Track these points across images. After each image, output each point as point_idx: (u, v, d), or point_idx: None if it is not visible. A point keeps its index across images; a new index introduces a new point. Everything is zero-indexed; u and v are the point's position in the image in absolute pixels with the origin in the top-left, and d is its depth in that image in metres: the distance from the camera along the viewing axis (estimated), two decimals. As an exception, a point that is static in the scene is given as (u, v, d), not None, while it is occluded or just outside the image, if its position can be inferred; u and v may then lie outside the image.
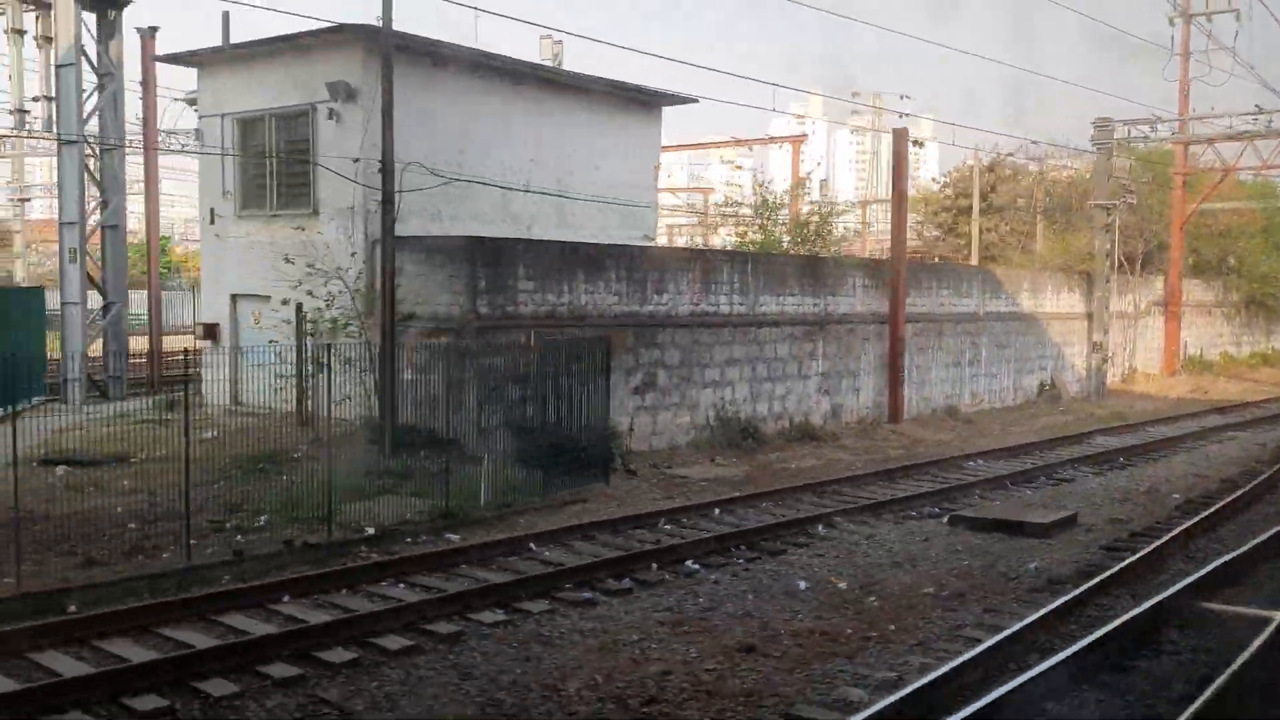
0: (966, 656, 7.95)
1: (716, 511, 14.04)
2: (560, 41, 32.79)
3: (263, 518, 12.23)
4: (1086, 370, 31.94)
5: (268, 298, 17.88)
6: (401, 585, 10.43)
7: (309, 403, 16.75)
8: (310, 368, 16.28)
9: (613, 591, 10.43)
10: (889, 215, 27.47)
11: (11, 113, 21.17)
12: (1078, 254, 34.60)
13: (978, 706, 6.84)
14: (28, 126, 21.56)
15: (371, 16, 15.28)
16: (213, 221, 18.85)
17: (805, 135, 44.73)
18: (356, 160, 16.47)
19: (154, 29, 22.86)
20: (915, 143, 26.50)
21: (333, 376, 14.58)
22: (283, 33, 17.43)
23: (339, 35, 16.57)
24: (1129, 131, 31.73)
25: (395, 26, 14.94)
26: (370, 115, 15.93)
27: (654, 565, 11.28)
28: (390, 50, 14.67)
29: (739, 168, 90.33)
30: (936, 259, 39.34)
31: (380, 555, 11.52)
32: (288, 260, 15.79)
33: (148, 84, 23.10)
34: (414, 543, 12.15)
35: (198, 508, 11.99)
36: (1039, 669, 7.60)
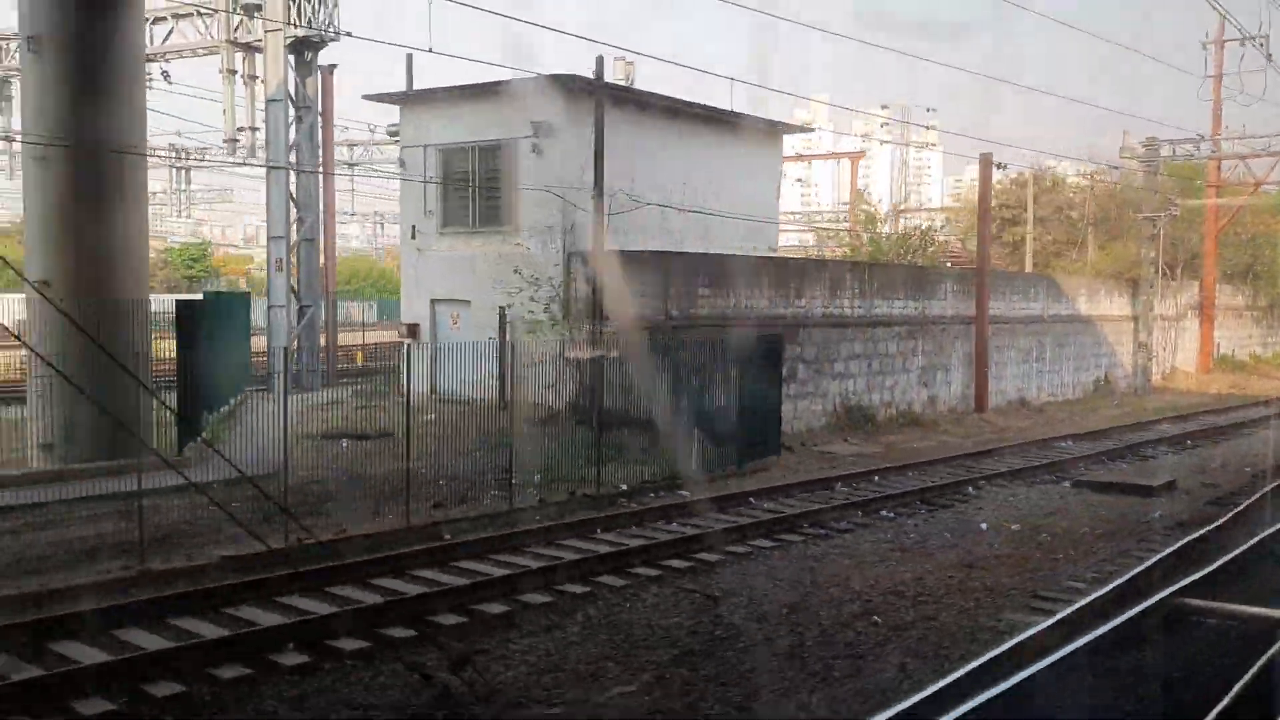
0: (1149, 562, 10.83)
1: (876, 478, 16.92)
2: (632, 63, 35.84)
3: (536, 476, 15.15)
4: (1133, 367, 34.76)
5: (467, 302, 20.81)
6: (674, 524, 13.32)
7: (510, 391, 19.66)
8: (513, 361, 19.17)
9: (839, 530, 13.31)
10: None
11: (225, 142, 24.13)
12: (1125, 262, 37.42)
13: (1175, 588, 9.70)
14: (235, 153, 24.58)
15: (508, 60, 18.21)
16: (414, 237, 21.78)
17: (864, 151, 47.68)
18: (546, 188, 19.39)
19: (333, 67, 25.84)
20: (999, 165, 29.32)
21: (539, 368, 17.49)
22: (477, 80, 20.36)
23: (541, 83, 19.50)
24: (1174, 150, 34.58)
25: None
26: (568, 149, 18.86)
27: (859, 514, 14.18)
28: (603, 103, 17.65)
29: (798, 179, 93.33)
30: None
31: (637, 505, 14.41)
32: (516, 272, 18.74)
33: (327, 116, 26.06)
34: (656, 497, 15.04)
35: (478, 471, 14.93)
36: (1204, 570, 10.46)
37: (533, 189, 19.61)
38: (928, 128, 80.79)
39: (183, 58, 24.43)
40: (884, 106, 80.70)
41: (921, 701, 6.79)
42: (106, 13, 14.19)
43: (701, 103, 22.22)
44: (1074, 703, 7.20)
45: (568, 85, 19.24)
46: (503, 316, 19.83)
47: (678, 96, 21.71)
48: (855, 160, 43.88)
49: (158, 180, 57.86)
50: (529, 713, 7.51)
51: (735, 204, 23.36)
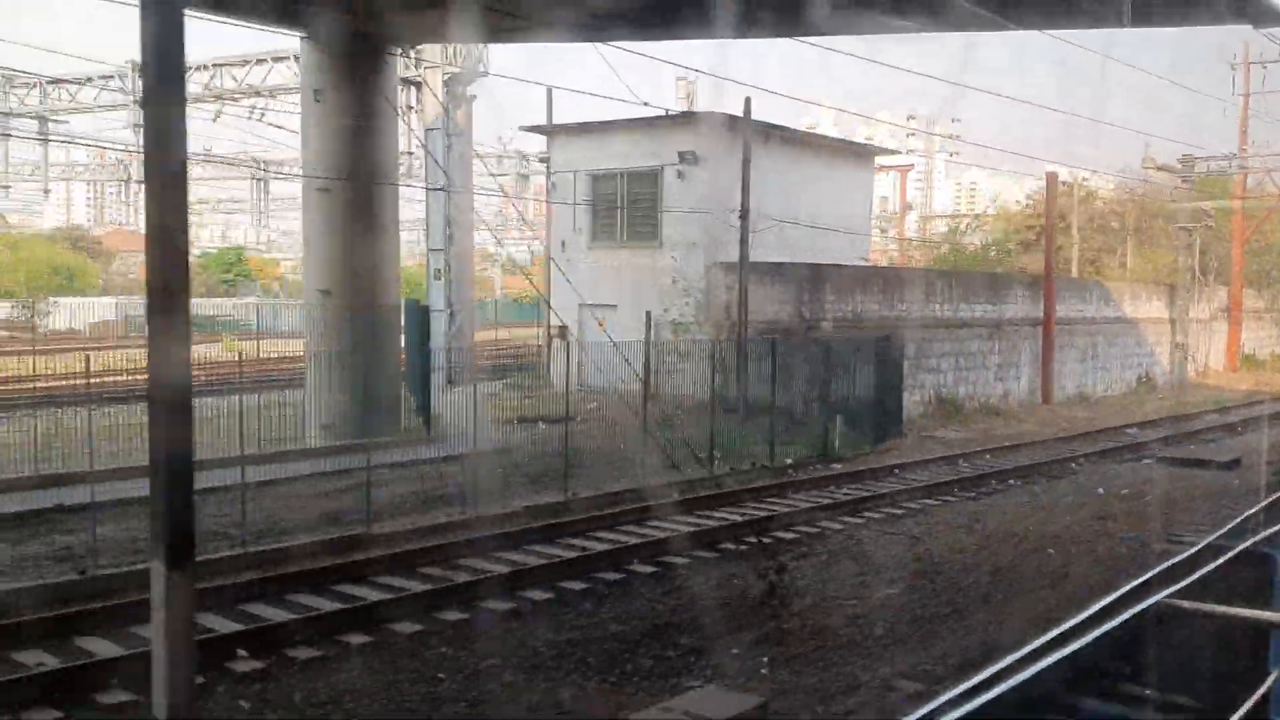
0: (1247, 513, 13.67)
1: (988, 456, 19.75)
2: (693, 82, 38.60)
3: (717, 452, 18.00)
4: (1170, 366, 37.56)
5: (613, 306, 23.67)
6: (846, 488, 16.16)
7: (654, 384, 22.52)
8: (655, 358, 22.03)
9: (984, 494, 16.16)
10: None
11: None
12: (1162, 268, 40.24)
13: (1274, 530, 12.53)
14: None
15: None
16: (564, 250, 24.67)
17: (912, 165, 50.62)
18: (692, 209, 22.25)
19: (473, 96, 28.76)
20: (1067, 185, 32.11)
21: (686, 364, 20.36)
22: (628, 116, 23.27)
23: (686, 119, 22.39)
24: (1208, 166, 37.42)
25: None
26: (710, 173, 21.73)
27: (993, 482, 17.04)
28: (749, 138, 20.48)
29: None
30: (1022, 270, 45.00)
31: (806, 475, 17.25)
32: (674, 282, 21.61)
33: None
34: (817, 469, 17.89)
35: (667, 448, 17.77)
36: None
37: (677, 211, 22.47)
38: (952, 137, 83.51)
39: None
40: (910, 117, 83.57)
41: (1133, 590, 9.61)
42: (370, 71, 17.08)
43: (809, 131, 25.05)
44: (1239, 591, 10.03)
45: (708, 120, 22.13)
46: (649, 319, 22.63)
47: (792, 127, 24.57)
48: (904, 173, 46.76)
49: (239, 190, 61.07)
50: (833, 603, 10.36)
51: (835, 218, 26.20)
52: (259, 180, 54.66)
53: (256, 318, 50.21)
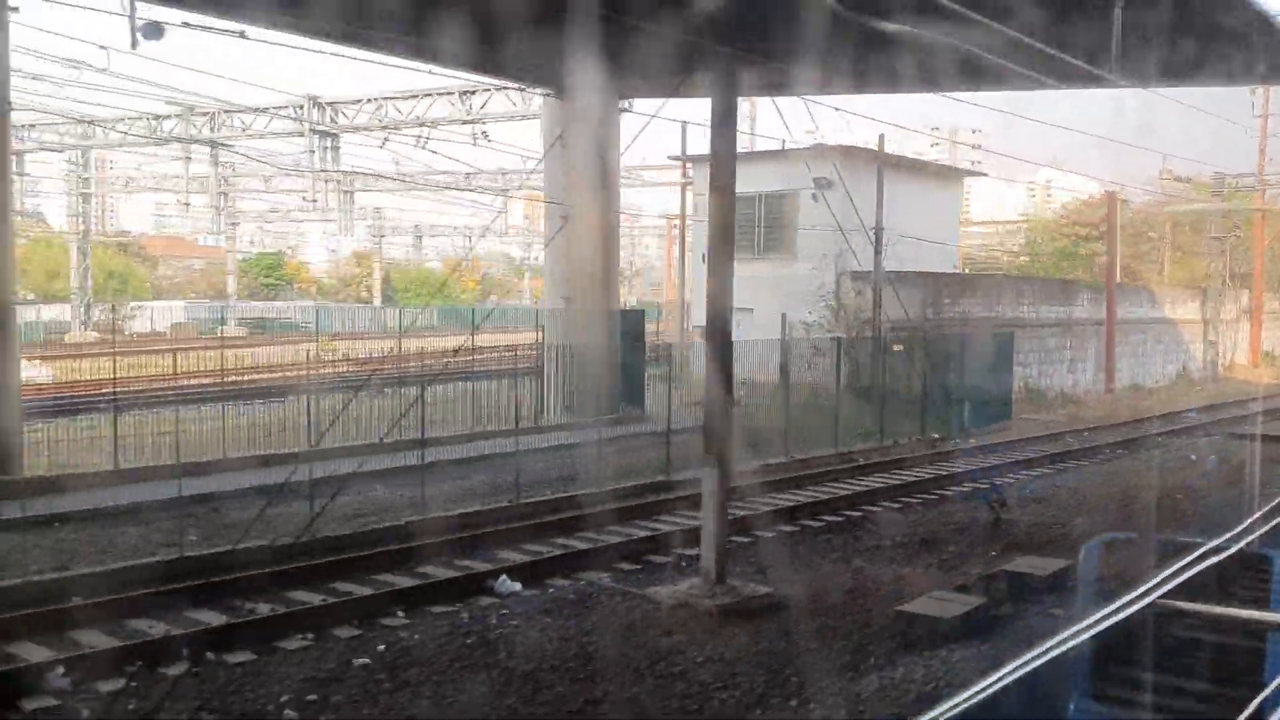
0: (1329, 468, 17.30)
1: (1086, 434, 23.38)
2: (755, 103, 42.12)
3: (858, 431, 21.56)
4: (1203, 361, 41.26)
5: (750, 310, 27.27)
6: (995, 455, 19.74)
7: (789, 375, 26.13)
8: (788, 357, 25.64)
9: (1103, 460, 19.78)
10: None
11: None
12: (1196, 274, 43.98)
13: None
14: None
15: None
16: (704, 261, 28.24)
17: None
18: (824, 228, 25.86)
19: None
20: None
21: (821, 359, 23.95)
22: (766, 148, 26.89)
23: (818, 149, 26.01)
24: (1237, 183, 41.17)
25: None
26: (838, 196, 25.36)
27: (1106, 450, 20.67)
28: (882, 170, 24.08)
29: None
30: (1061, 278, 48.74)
31: (954, 446, 20.84)
32: (813, 288, 25.23)
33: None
34: (958, 443, 21.48)
35: (826, 425, 21.37)
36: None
37: (809, 229, 26.12)
38: (974, 146, 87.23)
39: (496, 121, 30.93)
40: (934, 128, 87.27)
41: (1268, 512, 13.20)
42: (599, 125, 20.76)
43: (913, 158, 28.70)
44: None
45: (837, 152, 25.77)
46: (784, 320, 26.27)
47: (899, 155, 28.19)
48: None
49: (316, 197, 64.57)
50: (1045, 526, 13.97)
51: (930, 230, 29.85)
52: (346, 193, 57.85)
53: (315, 319, 52.58)
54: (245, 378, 29.22)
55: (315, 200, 37.78)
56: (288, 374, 29.98)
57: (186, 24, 16.76)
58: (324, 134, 32.58)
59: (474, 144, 30.81)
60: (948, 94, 20.92)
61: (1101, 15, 15.43)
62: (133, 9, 14.81)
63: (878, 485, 15.96)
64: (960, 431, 22.25)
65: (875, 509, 14.65)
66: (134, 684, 7.76)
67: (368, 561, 10.77)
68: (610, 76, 19.88)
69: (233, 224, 65.30)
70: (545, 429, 19.46)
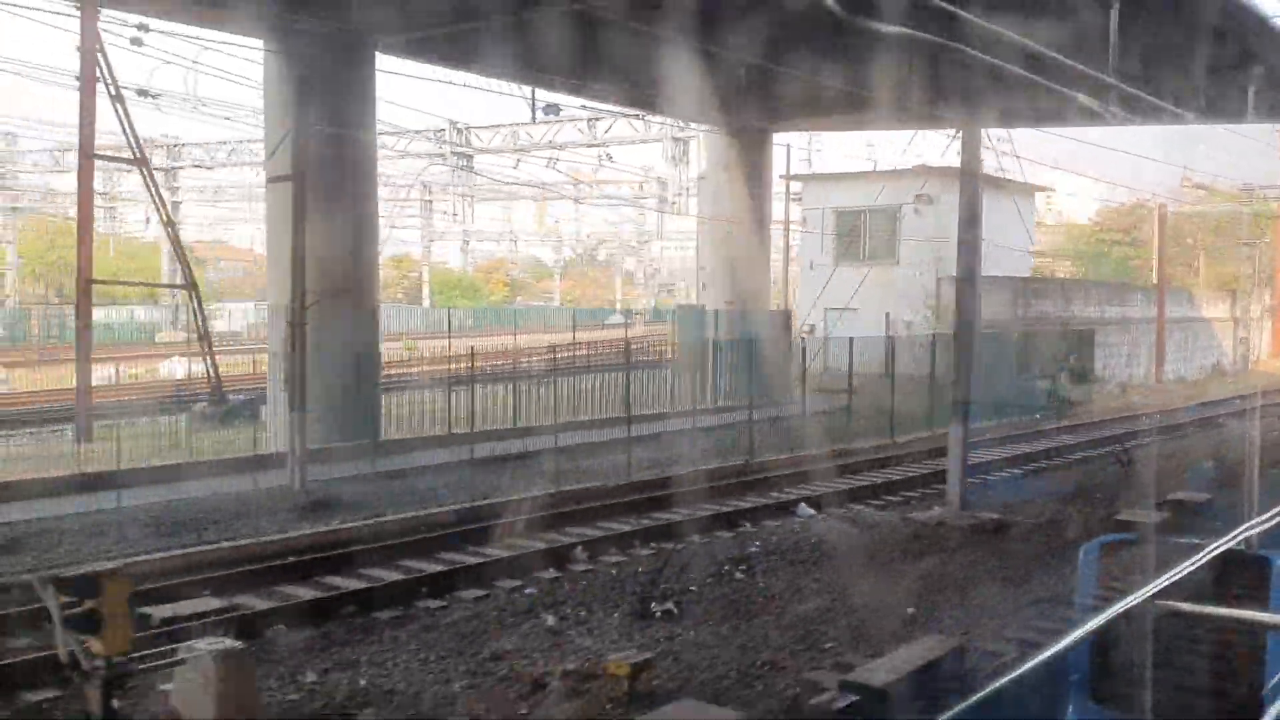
0: (1380, 437, 20.94)
1: (1158, 415, 26.99)
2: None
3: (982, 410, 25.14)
4: (1233, 355, 44.97)
5: (855, 309, 30.94)
6: (1100, 429, 23.34)
7: (892, 366, 29.77)
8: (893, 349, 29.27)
9: (1186, 435, 23.40)
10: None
11: (670, 202, 34.45)
12: (1226, 277, 47.74)
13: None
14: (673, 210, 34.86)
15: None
16: (812, 268, 31.95)
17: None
18: (925, 239, 29.51)
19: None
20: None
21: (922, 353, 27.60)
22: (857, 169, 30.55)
23: (918, 170, 29.67)
24: (1265, 194, 44.90)
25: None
26: (939, 209, 29.05)
27: (1184, 429, 24.30)
28: (976, 188, 27.71)
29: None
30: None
31: (1060, 424, 24.42)
32: (918, 291, 28.89)
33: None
34: (1061, 421, 25.07)
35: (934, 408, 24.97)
36: None
37: (911, 237, 29.81)
38: (1000, 153, 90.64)
39: (621, 144, 34.61)
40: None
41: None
42: (755, 153, 24.46)
43: (996, 176, 32.36)
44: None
45: (934, 172, 29.43)
46: (887, 319, 29.93)
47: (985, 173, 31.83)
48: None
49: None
50: (1174, 476, 17.58)
51: (1008, 238, 33.54)
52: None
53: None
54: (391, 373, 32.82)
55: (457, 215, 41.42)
56: (424, 369, 33.63)
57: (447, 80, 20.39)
58: (460, 154, 36.24)
59: (599, 165, 34.48)
60: (1050, 129, 24.49)
61: (1187, 62, 19.11)
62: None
63: (1021, 452, 19.58)
64: (1058, 412, 25.90)
65: (1032, 465, 18.28)
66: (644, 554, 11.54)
67: (691, 495, 14.41)
68: (767, 117, 23.62)
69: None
70: (714, 411, 23.13)
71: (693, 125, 25.40)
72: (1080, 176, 61.67)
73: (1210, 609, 5.44)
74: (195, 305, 19.20)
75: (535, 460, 16.21)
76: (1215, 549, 5.41)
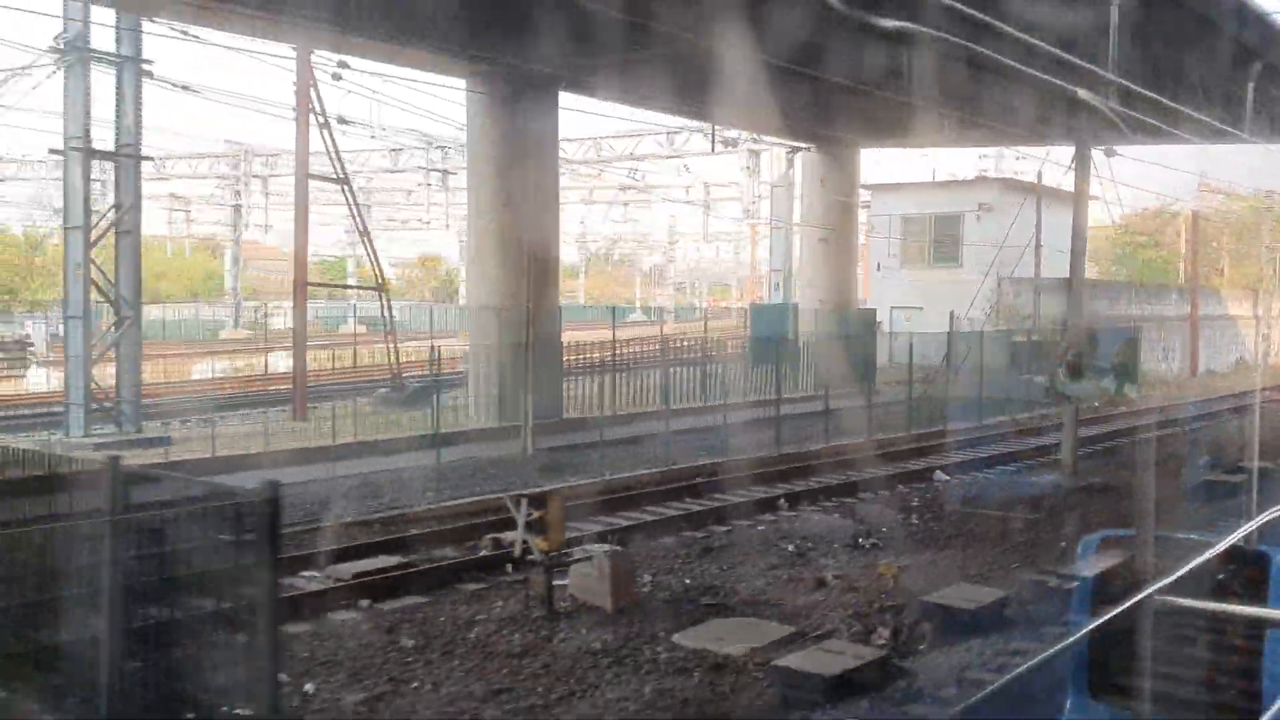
0: None
1: (1201, 403, 29.77)
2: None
3: (1039, 401, 27.94)
4: (1255, 351, 47.76)
5: (920, 308, 33.77)
6: (1162, 414, 26.13)
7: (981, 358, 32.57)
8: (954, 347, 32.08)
9: (1229, 421, 26.19)
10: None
11: (745, 210, 37.25)
12: (1249, 277, 50.56)
13: None
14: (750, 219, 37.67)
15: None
16: (878, 269, 34.77)
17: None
18: (987, 244, 32.32)
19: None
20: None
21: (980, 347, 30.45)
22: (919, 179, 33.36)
23: (980, 181, 32.51)
24: (1286, 199, 47.64)
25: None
26: (1000, 217, 31.87)
27: (1228, 414, 27.10)
28: (1042, 204, 30.53)
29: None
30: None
31: (1121, 410, 27.19)
32: (979, 291, 31.70)
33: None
34: (1122, 408, 27.82)
35: (1008, 397, 27.81)
36: None
37: (972, 242, 32.63)
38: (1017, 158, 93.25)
39: (694, 156, 37.41)
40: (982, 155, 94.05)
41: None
42: (847, 161, 27.25)
43: (1047, 186, 35.22)
44: None
45: (994, 183, 32.28)
46: (951, 317, 32.72)
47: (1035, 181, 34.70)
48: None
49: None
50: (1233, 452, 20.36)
51: (1056, 241, 36.36)
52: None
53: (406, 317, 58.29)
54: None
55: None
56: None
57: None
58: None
59: (677, 175, 37.31)
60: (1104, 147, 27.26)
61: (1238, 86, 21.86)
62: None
63: (1101, 431, 22.39)
64: (1115, 399, 28.70)
65: (1114, 442, 21.09)
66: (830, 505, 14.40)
67: (843, 464, 17.24)
68: (855, 135, 26.43)
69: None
70: (807, 399, 25.95)
71: (792, 142, 28.23)
72: (1112, 183, 64.30)
73: (1209, 605, 5.43)
74: (385, 303, 22.07)
75: (699, 435, 19.00)
76: (1217, 548, 5.61)
